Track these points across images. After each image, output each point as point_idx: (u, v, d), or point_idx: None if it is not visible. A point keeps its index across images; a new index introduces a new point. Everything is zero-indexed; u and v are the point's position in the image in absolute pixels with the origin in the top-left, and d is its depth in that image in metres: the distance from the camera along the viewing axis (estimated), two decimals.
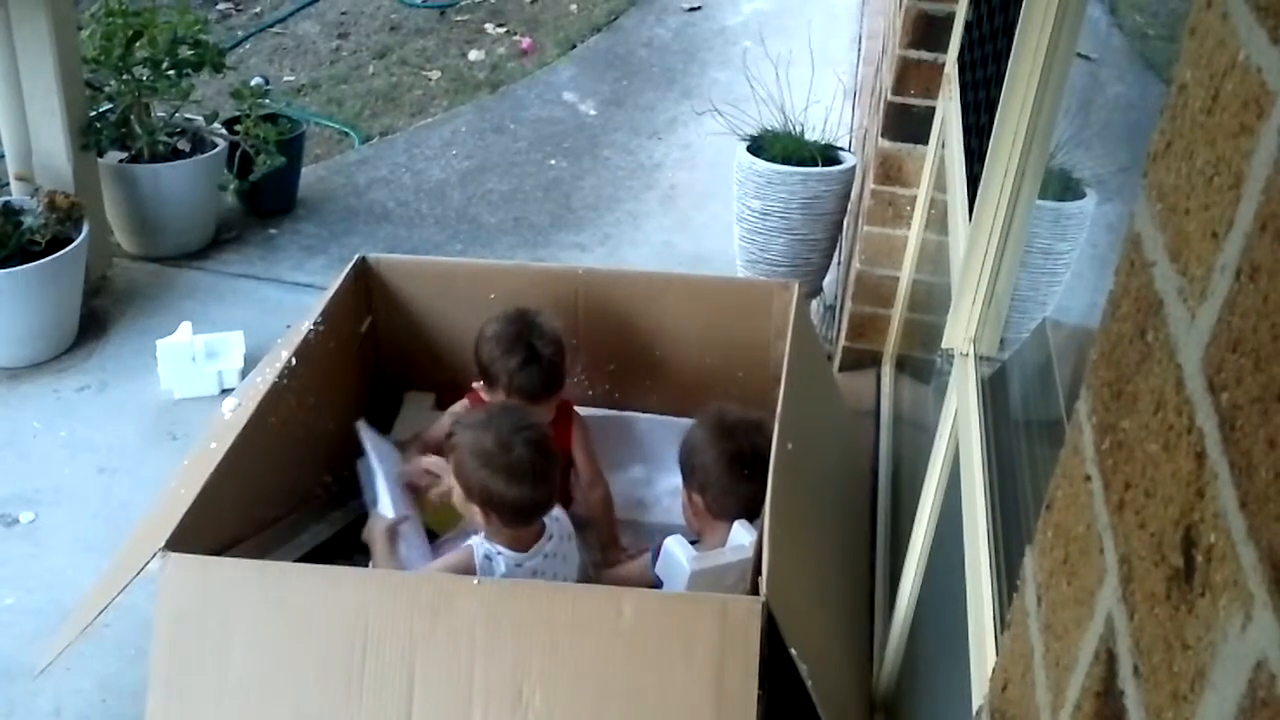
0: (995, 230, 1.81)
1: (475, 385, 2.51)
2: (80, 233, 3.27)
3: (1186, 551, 0.50)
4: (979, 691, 1.34)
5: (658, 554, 2.13)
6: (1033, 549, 0.75)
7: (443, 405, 2.71)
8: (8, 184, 3.55)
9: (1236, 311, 0.48)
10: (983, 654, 1.36)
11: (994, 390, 1.78)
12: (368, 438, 2.39)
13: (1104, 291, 0.67)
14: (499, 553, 2.09)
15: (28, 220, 3.19)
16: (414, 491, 2.38)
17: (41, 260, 3.15)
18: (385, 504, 2.25)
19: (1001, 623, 1.32)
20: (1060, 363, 1.71)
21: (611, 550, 2.51)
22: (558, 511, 2.19)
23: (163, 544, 1.75)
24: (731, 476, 2.18)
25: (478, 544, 2.10)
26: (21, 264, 3.13)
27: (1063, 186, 1.96)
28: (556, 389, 2.46)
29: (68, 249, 3.21)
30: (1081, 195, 1.97)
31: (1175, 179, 0.58)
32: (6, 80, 3.40)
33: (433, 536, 2.44)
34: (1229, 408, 0.48)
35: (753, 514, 2.13)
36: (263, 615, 1.77)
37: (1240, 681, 0.44)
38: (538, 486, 2.07)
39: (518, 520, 2.09)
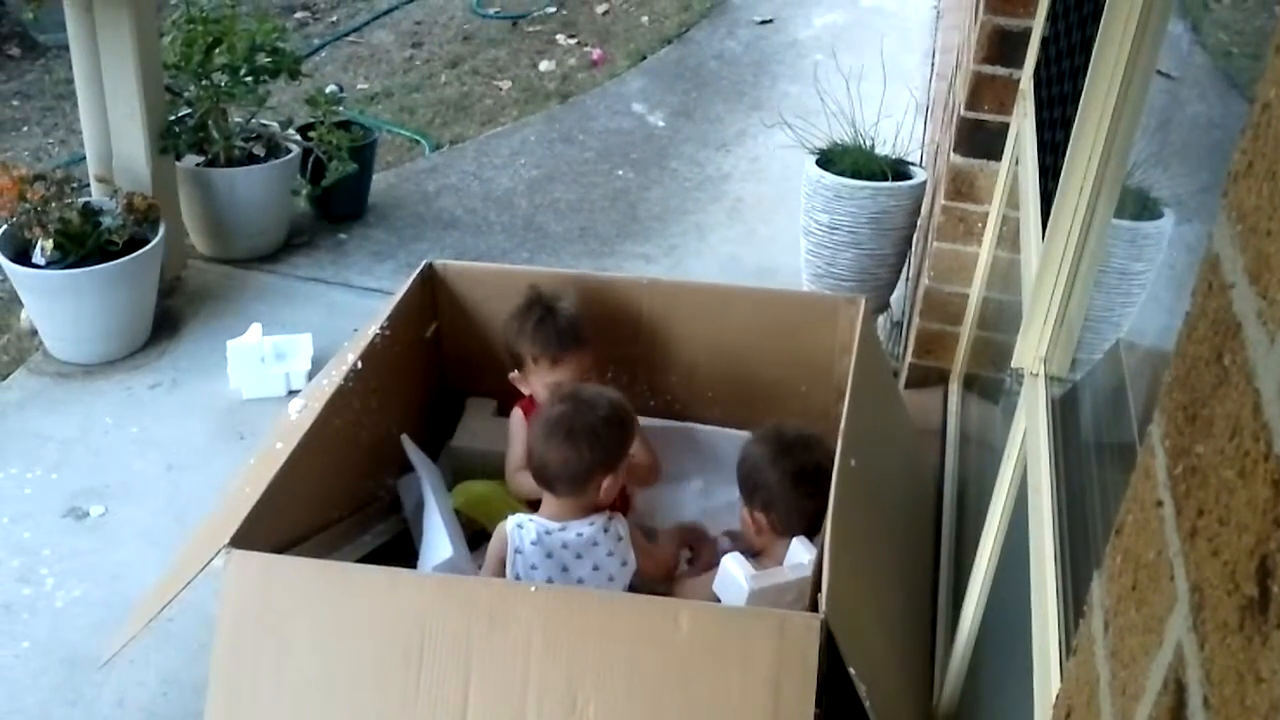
0: (1069, 249, 1.79)
1: (511, 376, 2.53)
2: (156, 234, 3.34)
3: (1261, 581, 0.49)
4: (1042, 717, 1.32)
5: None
6: (1101, 574, 0.74)
7: (505, 412, 2.72)
8: (88, 185, 3.63)
9: None
10: (1046, 680, 1.34)
11: (1064, 411, 1.75)
12: (413, 453, 2.42)
13: (1180, 314, 0.65)
14: (531, 520, 2.10)
15: (106, 221, 3.27)
16: None
17: (119, 260, 3.22)
18: (434, 514, 2.26)
19: (1067, 648, 1.30)
20: (1134, 385, 1.68)
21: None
22: (620, 520, 2.17)
23: (227, 541, 1.77)
24: (797, 494, 2.16)
25: (516, 515, 2.13)
26: (100, 263, 3.20)
27: (1140, 205, 1.92)
28: (576, 343, 2.46)
29: (144, 249, 3.28)
30: (1159, 215, 1.93)
31: (1256, 199, 0.57)
32: (90, 84, 3.48)
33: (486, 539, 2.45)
34: None
35: (815, 530, 2.11)
36: (323, 614, 1.78)
37: None
38: (590, 449, 2.08)
39: (560, 487, 2.11)
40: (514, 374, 2.53)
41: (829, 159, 3.44)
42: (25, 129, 4.94)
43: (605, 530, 2.13)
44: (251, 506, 1.85)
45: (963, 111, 2.84)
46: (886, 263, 3.43)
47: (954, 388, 3.07)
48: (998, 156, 2.83)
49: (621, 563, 2.15)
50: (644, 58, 5.75)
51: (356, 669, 1.74)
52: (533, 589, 1.80)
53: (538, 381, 2.47)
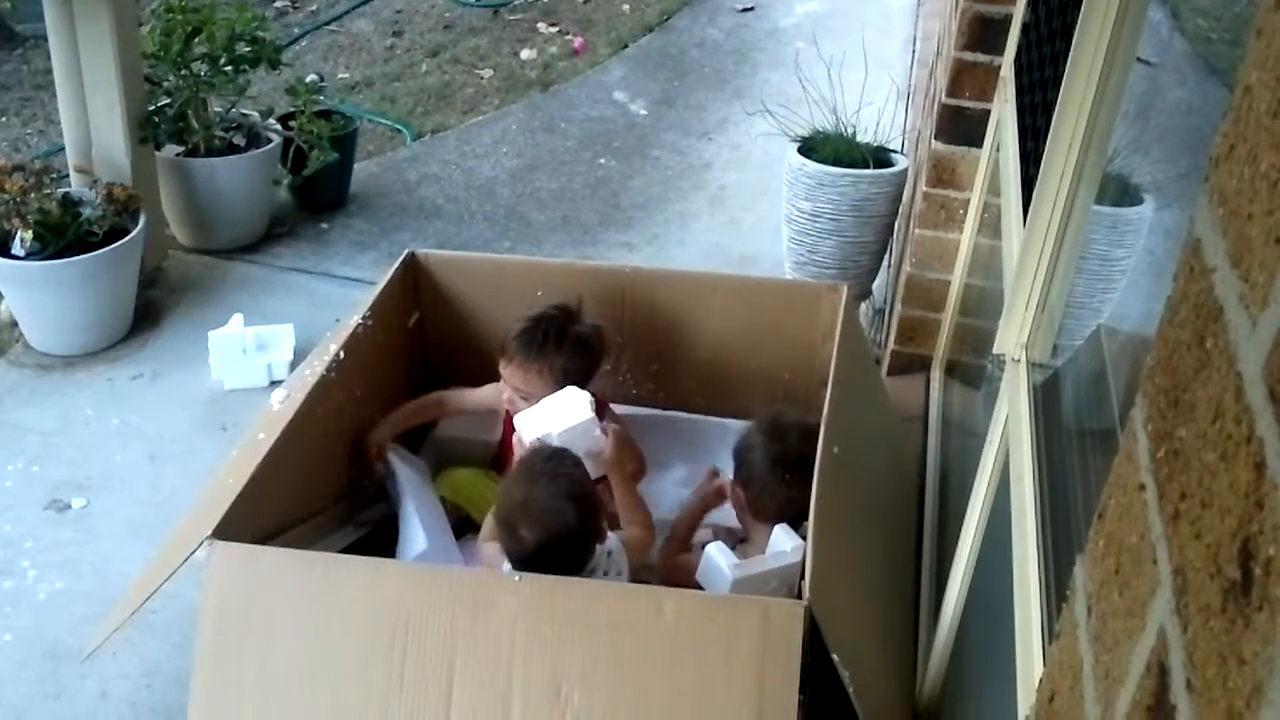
0: (1050, 235, 1.79)
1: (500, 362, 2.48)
2: (137, 224, 3.32)
3: (1244, 564, 0.49)
4: (1025, 702, 1.33)
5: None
6: (1084, 558, 0.74)
7: None
8: (67, 175, 3.60)
9: None
10: (1030, 664, 1.34)
11: (1046, 397, 1.76)
12: (391, 446, 2.42)
13: (1161, 299, 0.65)
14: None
15: (86, 211, 3.24)
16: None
17: (99, 251, 3.20)
18: (409, 507, 2.26)
19: (1050, 633, 1.31)
20: (1115, 370, 1.69)
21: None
22: (613, 543, 2.12)
23: (210, 532, 1.76)
24: (773, 478, 2.16)
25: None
26: (79, 254, 3.18)
27: (1120, 192, 1.93)
28: (543, 363, 2.36)
29: (124, 240, 3.25)
30: (1139, 201, 1.94)
31: (1238, 183, 0.57)
32: (69, 75, 3.45)
33: (470, 526, 2.45)
34: None
35: (795, 518, 2.11)
36: (306, 605, 1.78)
37: None
38: (575, 550, 2.00)
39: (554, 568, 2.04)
40: (502, 362, 2.47)
41: (811, 146, 3.43)
42: (3, 119, 4.90)
43: (605, 573, 2.08)
44: (234, 497, 1.84)
45: (944, 98, 2.84)
46: (868, 250, 3.44)
47: (936, 374, 3.07)
48: (979, 143, 2.83)
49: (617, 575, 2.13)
50: (625, 46, 5.74)
51: (340, 659, 1.74)
52: (517, 578, 1.80)
53: (503, 372, 2.43)
